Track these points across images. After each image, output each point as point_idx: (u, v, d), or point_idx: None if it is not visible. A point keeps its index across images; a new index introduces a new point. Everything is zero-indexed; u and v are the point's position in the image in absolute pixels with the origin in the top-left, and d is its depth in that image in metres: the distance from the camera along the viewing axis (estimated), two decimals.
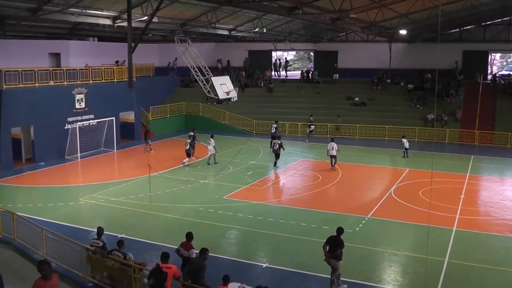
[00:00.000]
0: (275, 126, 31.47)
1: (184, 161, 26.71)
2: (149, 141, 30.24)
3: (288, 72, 49.54)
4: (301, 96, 41.62)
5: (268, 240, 16.28)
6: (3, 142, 25.42)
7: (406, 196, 21.00)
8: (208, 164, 26.78)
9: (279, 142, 26.37)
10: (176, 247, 12.44)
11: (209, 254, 11.43)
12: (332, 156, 25.78)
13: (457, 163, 27.86)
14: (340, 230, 12.54)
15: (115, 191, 21.78)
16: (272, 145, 26.93)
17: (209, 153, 27.00)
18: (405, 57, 41.99)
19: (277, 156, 26.38)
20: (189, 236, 12.26)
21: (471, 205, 20.29)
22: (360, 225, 17.34)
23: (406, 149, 28.90)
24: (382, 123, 35.46)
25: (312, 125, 34.97)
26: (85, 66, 32.78)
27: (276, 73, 47.98)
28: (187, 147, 26.83)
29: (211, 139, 26.95)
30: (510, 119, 34.02)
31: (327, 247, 12.36)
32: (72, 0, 21.95)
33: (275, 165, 26.35)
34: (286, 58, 52.20)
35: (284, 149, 26.60)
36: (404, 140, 29.16)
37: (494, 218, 18.59)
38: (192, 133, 28.13)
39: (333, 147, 25.70)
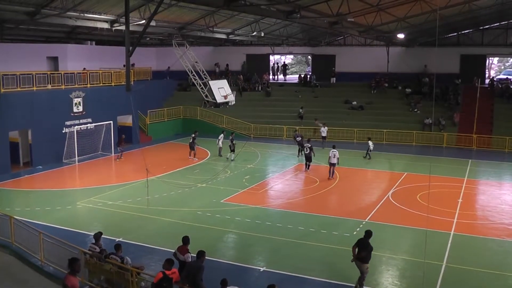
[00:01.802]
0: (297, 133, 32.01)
1: (229, 156, 28.79)
2: (119, 148, 29.28)
3: (286, 76, 49.61)
4: (299, 100, 41.63)
5: (266, 244, 16.25)
6: (0, 146, 25.36)
7: (403, 200, 21.00)
8: (221, 156, 29.57)
9: (310, 145, 26.40)
10: (174, 251, 12.42)
11: (207, 257, 11.40)
12: (331, 164, 24.87)
13: (455, 167, 27.88)
14: (368, 233, 12.75)
15: (112, 194, 21.75)
16: (303, 150, 26.98)
17: (219, 146, 29.72)
18: (403, 61, 42.06)
19: (308, 159, 26.31)
20: (185, 240, 12.24)
21: (469, 209, 20.30)
22: (358, 229, 17.30)
23: (369, 150, 29.26)
24: (380, 127, 35.44)
25: (325, 126, 34.17)
26: (83, 70, 32.79)
27: (274, 77, 48.04)
28: (231, 143, 28.74)
29: (223, 134, 29.91)
30: (507, 123, 34.08)
31: (356, 249, 12.53)
32: (70, 4, 21.94)
33: (308, 167, 26.45)
34: (285, 62, 52.32)
35: (314, 154, 26.53)
36: (370, 143, 29.46)
37: (491, 222, 18.59)
38: (193, 135, 28.94)
39: (334, 155, 24.77)
